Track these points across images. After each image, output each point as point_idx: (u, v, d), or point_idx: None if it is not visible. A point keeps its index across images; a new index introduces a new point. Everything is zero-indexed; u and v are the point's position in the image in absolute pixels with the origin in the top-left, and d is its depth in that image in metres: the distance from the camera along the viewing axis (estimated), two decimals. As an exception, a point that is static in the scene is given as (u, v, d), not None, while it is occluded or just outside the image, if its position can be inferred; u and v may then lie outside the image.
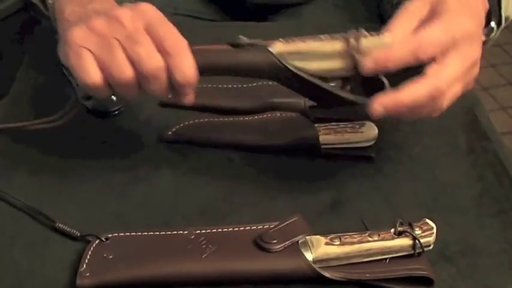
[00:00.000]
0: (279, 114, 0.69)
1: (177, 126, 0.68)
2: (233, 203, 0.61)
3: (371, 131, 0.66)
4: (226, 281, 0.53)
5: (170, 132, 0.67)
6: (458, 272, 0.56)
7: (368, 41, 0.55)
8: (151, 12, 0.54)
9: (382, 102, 0.54)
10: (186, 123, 0.68)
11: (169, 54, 0.52)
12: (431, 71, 0.54)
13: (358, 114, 0.64)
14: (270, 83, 0.74)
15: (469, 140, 0.70)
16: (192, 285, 0.53)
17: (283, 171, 0.65)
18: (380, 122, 0.65)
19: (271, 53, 0.55)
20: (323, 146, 0.66)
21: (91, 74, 0.52)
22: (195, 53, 0.53)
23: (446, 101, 0.57)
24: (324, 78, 0.57)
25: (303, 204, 0.61)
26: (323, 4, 0.94)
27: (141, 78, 0.53)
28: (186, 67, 0.53)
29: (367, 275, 0.53)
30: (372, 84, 0.56)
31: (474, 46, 0.57)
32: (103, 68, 0.53)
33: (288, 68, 0.55)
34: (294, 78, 0.56)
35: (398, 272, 0.54)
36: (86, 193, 0.61)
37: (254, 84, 0.74)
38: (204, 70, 0.54)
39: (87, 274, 0.52)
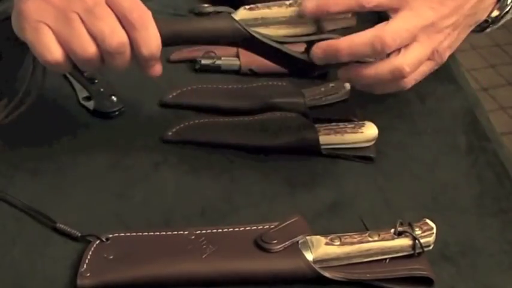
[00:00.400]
0: (279, 114, 0.69)
1: (177, 127, 0.68)
2: (233, 203, 0.61)
3: (371, 131, 0.66)
4: (226, 281, 0.53)
5: (170, 133, 0.67)
6: (458, 272, 0.56)
7: None
8: None
9: (321, 46, 0.55)
10: (186, 123, 0.68)
11: (134, 28, 0.51)
12: (393, 53, 0.55)
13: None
14: (270, 83, 0.75)
15: (469, 140, 0.70)
16: (192, 285, 0.53)
17: (283, 172, 0.65)
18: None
19: (235, 20, 0.54)
20: (323, 146, 0.66)
21: (52, 50, 0.50)
22: (158, 23, 0.52)
23: (409, 80, 0.58)
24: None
25: (303, 205, 0.61)
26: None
27: (104, 53, 0.51)
28: (152, 40, 0.51)
29: (367, 275, 0.53)
30: None
31: (435, 35, 0.57)
32: (63, 44, 0.50)
33: (252, 35, 0.54)
34: (258, 44, 0.56)
35: (399, 272, 0.54)
36: (86, 193, 0.61)
37: (254, 84, 0.74)
38: (168, 40, 0.53)
39: (88, 274, 0.52)
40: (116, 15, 0.50)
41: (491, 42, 2.28)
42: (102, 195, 0.61)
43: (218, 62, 0.76)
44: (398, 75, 0.56)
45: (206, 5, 0.54)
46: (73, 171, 0.63)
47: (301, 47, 0.58)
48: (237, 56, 0.77)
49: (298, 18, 0.55)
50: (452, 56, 0.85)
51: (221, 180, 0.64)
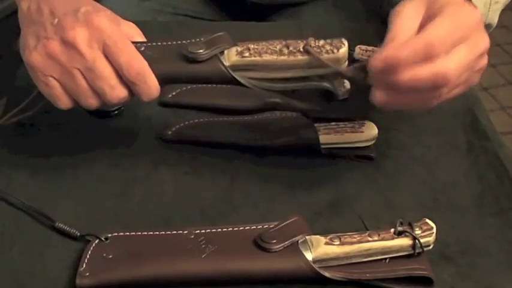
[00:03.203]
0: (278, 114, 0.69)
1: (177, 126, 0.68)
2: (233, 203, 0.61)
3: (371, 130, 0.66)
4: (226, 281, 0.53)
5: (170, 132, 0.67)
6: (458, 272, 0.56)
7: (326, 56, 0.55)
8: (107, 30, 0.54)
9: (381, 57, 0.53)
10: (186, 123, 0.68)
11: (133, 83, 0.54)
12: (439, 59, 0.53)
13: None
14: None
15: (469, 140, 0.70)
16: (191, 285, 0.53)
17: (283, 171, 0.65)
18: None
19: (225, 66, 0.56)
20: (323, 146, 0.66)
21: (62, 100, 0.56)
22: (153, 66, 0.55)
23: (449, 90, 0.55)
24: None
25: (302, 204, 0.61)
26: (323, 4, 0.94)
27: (107, 103, 0.56)
28: (151, 90, 0.55)
29: (367, 274, 0.53)
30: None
31: (482, 36, 0.56)
32: (71, 95, 0.55)
33: (239, 82, 0.56)
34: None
35: (398, 271, 0.53)
36: (86, 193, 0.61)
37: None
38: (163, 82, 0.56)
39: (87, 274, 0.52)
40: (115, 70, 0.54)
41: (492, 41, 2.27)
42: (102, 195, 0.61)
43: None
44: (440, 82, 0.53)
45: (199, 51, 0.55)
46: (72, 170, 0.63)
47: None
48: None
49: (287, 66, 0.56)
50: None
51: (220, 179, 0.64)
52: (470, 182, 0.65)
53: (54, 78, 0.54)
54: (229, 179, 0.64)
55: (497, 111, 1.97)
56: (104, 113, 0.69)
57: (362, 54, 0.79)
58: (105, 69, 0.54)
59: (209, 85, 0.73)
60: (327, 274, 0.53)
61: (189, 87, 0.73)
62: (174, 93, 0.72)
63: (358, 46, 0.78)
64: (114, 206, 0.60)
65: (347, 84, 0.72)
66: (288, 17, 0.94)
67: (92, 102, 0.56)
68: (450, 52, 0.53)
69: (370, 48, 0.78)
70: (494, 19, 0.70)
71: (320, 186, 0.63)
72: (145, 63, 0.54)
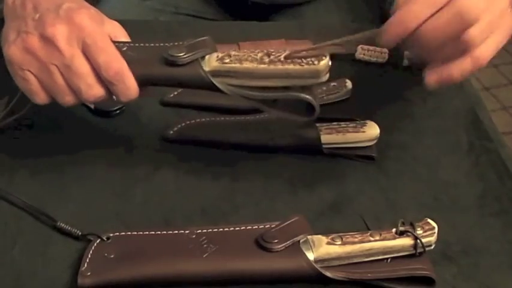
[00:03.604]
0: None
1: (178, 126, 0.68)
2: (234, 203, 0.61)
3: (373, 130, 0.66)
4: (227, 281, 0.53)
5: (171, 132, 0.67)
6: (459, 272, 0.56)
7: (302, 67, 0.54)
8: (88, 28, 0.54)
9: (436, 78, 0.54)
10: (187, 122, 0.68)
11: (111, 83, 0.54)
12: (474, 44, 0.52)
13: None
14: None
15: (470, 140, 0.70)
16: (193, 284, 0.53)
17: (284, 171, 0.65)
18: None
19: (205, 71, 0.56)
20: (324, 146, 0.66)
21: (38, 95, 0.56)
22: (132, 68, 0.55)
23: (481, 33, 0.53)
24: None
25: (304, 204, 0.61)
26: (324, 4, 0.94)
27: (83, 101, 0.56)
28: (130, 90, 0.55)
29: (369, 274, 0.53)
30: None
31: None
32: (47, 91, 0.55)
33: (217, 88, 0.56)
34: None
35: (400, 271, 0.53)
36: (87, 192, 0.61)
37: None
38: (142, 84, 0.56)
39: (88, 273, 0.52)
40: (93, 69, 0.54)
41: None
42: (103, 194, 0.61)
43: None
44: (462, 21, 0.51)
45: (180, 54, 0.55)
46: (74, 170, 0.63)
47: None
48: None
49: (270, 74, 0.55)
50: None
51: (222, 179, 0.64)
52: (472, 182, 0.65)
53: (32, 73, 0.54)
54: (231, 179, 0.64)
55: (499, 111, 1.97)
56: (105, 112, 0.69)
57: (364, 54, 0.79)
58: (82, 67, 0.53)
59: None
60: (328, 274, 0.52)
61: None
62: (175, 93, 0.72)
63: (360, 46, 0.78)
64: (116, 205, 0.60)
65: (349, 84, 0.72)
66: (290, 17, 0.94)
67: (68, 99, 0.55)
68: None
69: (371, 48, 0.78)
70: None
71: (322, 186, 0.63)
72: (124, 64, 0.54)
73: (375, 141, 0.67)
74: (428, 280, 0.54)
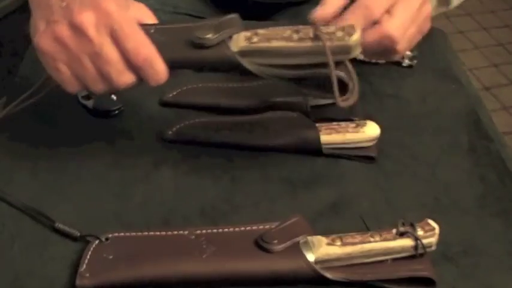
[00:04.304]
0: (279, 114, 0.69)
1: (177, 126, 0.68)
2: (233, 203, 0.61)
3: (372, 130, 0.66)
4: (226, 282, 0.53)
5: (170, 132, 0.67)
6: (460, 273, 0.56)
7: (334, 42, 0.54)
8: (115, 14, 0.53)
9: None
10: (187, 122, 0.68)
11: (140, 69, 0.54)
12: (383, 19, 0.59)
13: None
14: (270, 81, 0.74)
15: (471, 140, 0.70)
16: (192, 285, 0.53)
17: (284, 171, 0.65)
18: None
19: (232, 52, 0.55)
20: (324, 146, 0.66)
21: (71, 85, 0.56)
22: (161, 51, 0.54)
23: (401, 45, 0.61)
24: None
25: (304, 205, 0.61)
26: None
27: (115, 88, 0.56)
28: (159, 75, 0.55)
29: (369, 275, 0.53)
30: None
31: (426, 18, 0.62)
32: (79, 80, 0.55)
33: (247, 69, 0.55)
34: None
35: (400, 272, 0.53)
36: (86, 193, 0.61)
37: (255, 83, 0.74)
38: (171, 67, 0.55)
39: (87, 274, 0.52)
40: (123, 56, 0.54)
41: (494, 41, 2.28)
42: (102, 195, 0.61)
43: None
44: (387, 43, 0.59)
45: (207, 36, 0.54)
46: (72, 170, 0.63)
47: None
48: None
49: (295, 53, 0.54)
50: (454, 55, 0.85)
51: (221, 179, 0.63)
52: (472, 182, 0.65)
53: (63, 63, 0.54)
54: (230, 179, 0.63)
55: (500, 111, 1.97)
56: (104, 112, 0.69)
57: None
58: (112, 54, 0.53)
59: (209, 85, 0.73)
60: (328, 275, 0.52)
61: (189, 87, 0.73)
62: (174, 93, 0.72)
63: None
64: (115, 206, 0.60)
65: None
66: (290, 16, 0.94)
67: (99, 87, 0.55)
68: (392, 12, 0.59)
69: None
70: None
71: (321, 187, 0.63)
72: (153, 49, 0.54)
73: (374, 142, 0.66)
74: (428, 281, 0.54)
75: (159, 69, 0.55)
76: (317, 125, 0.66)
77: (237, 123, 0.68)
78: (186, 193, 0.62)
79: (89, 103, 0.70)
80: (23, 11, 1.19)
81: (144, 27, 0.55)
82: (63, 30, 0.53)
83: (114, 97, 0.70)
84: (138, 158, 0.65)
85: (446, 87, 0.77)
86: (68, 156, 0.65)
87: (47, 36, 0.54)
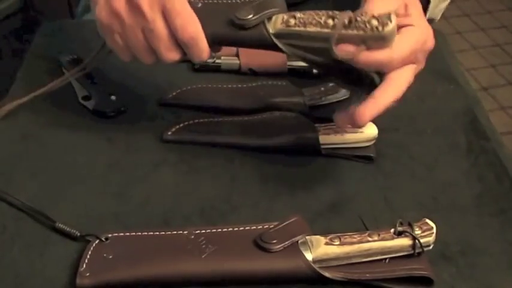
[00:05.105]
0: (278, 114, 0.69)
1: (177, 126, 0.68)
2: (233, 203, 0.61)
3: (371, 131, 0.66)
4: (226, 281, 0.53)
5: (170, 132, 0.67)
6: (458, 272, 0.56)
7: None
8: None
9: (369, 115, 0.56)
10: (186, 123, 0.68)
11: (186, 46, 0.58)
12: (395, 75, 0.57)
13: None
14: (270, 82, 0.75)
15: (468, 140, 0.70)
16: (191, 285, 0.53)
17: (283, 171, 0.65)
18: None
19: (269, 34, 0.57)
20: (323, 146, 0.66)
21: (124, 55, 0.60)
22: (205, 28, 0.57)
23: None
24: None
25: (302, 204, 0.61)
26: (324, 3, 0.94)
27: (162, 62, 0.60)
28: (203, 53, 0.58)
29: (367, 275, 0.53)
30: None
31: (425, 58, 0.60)
32: (131, 50, 0.59)
33: (282, 50, 0.57)
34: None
35: (398, 272, 0.53)
36: (86, 193, 0.61)
37: (254, 84, 0.74)
38: (212, 43, 0.58)
39: (87, 274, 0.52)
40: (171, 31, 0.57)
41: (492, 41, 2.28)
42: (102, 195, 0.61)
43: (218, 61, 0.76)
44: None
45: (247, 17, 0.57)
46: (72, 170, 0.63)
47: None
48: (237, 55, 0.77)
49: (332, 38, 0.55)
50: (452, 56, 0.86)
51: (221, 180, 0.64)
52: (470, 182, 0.65)
53: (118, 34, 0.58)
54: (229, 179, 0.64)
55: (497, 111, 1.97)
56: (104, 113, 0.69)
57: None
58: (162, 30, 0.57)
59: (209, 85, 0.74)
60: (327, 274, 0.53)
61: (189, 87, 0.73)
62: (174, 94, 0.72)
63: None
64: (114, 206, 0.60)
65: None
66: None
67: (148, 59, 0.59)
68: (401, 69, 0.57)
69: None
70: (438, 16, 0.75)
71: (320, 187, 0.63)
72: (198, 27, 0.57)
73: (373, 142, 0.67)
74: (426, 280, 0.54)
75: (202, 47, 0.58)
76: (316, 125, 0.67)
77: (237, 123, 0.68)
78: (185, 193, 0.62)
79: (89, 104, 0.70)
80: (24, 13, 1.19)
81: (192, 1, 0.57)
82: (120, 5, 0.57)
83: (114, 98, 0.70)
84: (138, 158, 0.65)
85: (444, 88, 0.78)
86: (68, 156, 0.65)
87: (105, 9, 0.58)
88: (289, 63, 0.76)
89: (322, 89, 0.72)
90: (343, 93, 0.71)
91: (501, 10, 2.46)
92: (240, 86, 0.74)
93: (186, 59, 0.60)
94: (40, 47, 0.80)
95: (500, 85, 2.10)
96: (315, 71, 0.76)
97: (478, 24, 2.35)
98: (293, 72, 0.76)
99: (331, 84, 0.72)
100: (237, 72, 0.77)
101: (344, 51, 0.54)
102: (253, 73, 0.76)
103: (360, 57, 0.54)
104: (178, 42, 0.57)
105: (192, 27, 0.57)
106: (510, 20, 2.39)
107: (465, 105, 0.75)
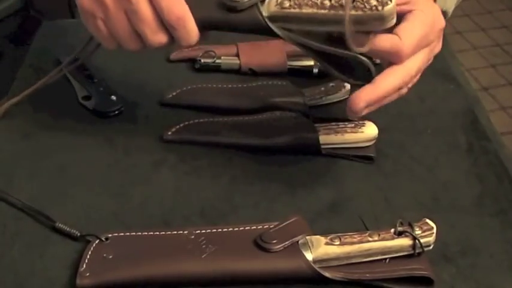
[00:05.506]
0: (278, 114, 0.69)
1: (177, 126, 0.68)
2: (233, 203, 0.61)
3: (371, 131, 0.66)
4: (226, 281, 0.53)
5: (170, 132, 0.67)
6: (458, 272, 0.56)
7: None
8: None
9: (364, 99, 0.54)
10: (186, 123, 0.68)
11: (173, 28, 0.55)
12: (400, 30, 0.55)
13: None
14: (270, 82, 0.75)
15: (469, 140, 0.70)
16: (192, 285, 0.53)
17: (283, 171, 0.65)
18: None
19: (263, 17, 0.55)
20: (323, 146, 0.66)
21: (108, 42, 0.57)
22: (194, 11, 0.55)
23: (408, 89, 0.58)
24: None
25: (303, 204, 0.61)
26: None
27: (148, 46, 0.57)
28: (191, 35, 0.56)
29: (367, 275, 0.53)
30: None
31: (439, 38, 0.58)
32: (114, 37, 0.57)
33: (276, 34, 0.55)
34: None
35: (399, 272, 0.53)
36: (86, 193, 0.61)
37: (254, 83, 0.74)
38: (202, 28, 0.56)
39: (87, 274, 0.52)
40: (157, 14, 0.54)
41: (492, 42, 2.28)
42: (102, 195, 0.61)
43: (218, 61, 0.76)
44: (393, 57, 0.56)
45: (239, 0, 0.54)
46: (72, 170, 0.63)
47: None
48: (237, 55, 0.77)
49: (330, 20, 0.53)
50: (452, 56, 0.86)
51: (221, 180, 0.64)
52: (470, 182, 0.65)
53: (101, 20, 0.56)
54: (230, 179, 0.64)
55: (497, 111, 1.97)
56: (104, 113, 0.69)
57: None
58: (147, 12, 0.54)
59: (209, 85, 0.74)
60: (327, 274, 0.53)
61: (189, 87, 0.73)
62: (174, 93, 0.72)
63: None
64: (114, 206, 0.60)
65: (347, 84, 0.72)
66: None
67: (133, 46, 0.57)
68: (409, 27, 0.55)
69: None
70: (451, 8, 0.72)
71: (320, 186, 0.63)
72: (185, 8, 0.55)
73: (373, 142, 0.67)
74: (426, 280, 0.54)
75: (190, 29, 0.55)
76: (316, 125, 0.67)
77: (237, 123, 0.68)
78: (185, 193, 0.62)
79: (89, 103, 0.70)
80: (24, 13, 1.19)
81: None
82: None
83: (114, 97, 0.70)
84: (137, 158, 0.65)
85: (444, 88, 0.78)
86: (68, 156, 0.65)
87: None
88: (289, 63, 0.76)
89: (322, 89, 0.72)
90: (343, 93, 0.71)
91: (501, 10, 2.46)
92: (240, 86, 0.74)
93: (174, 44, 0.57)
94: (40, 47, 0.80)
95: (501, 85, 2.10)
96: (315, 70, 0.76)
97: (478, 24, 2.35)
98: (293, 72, 0.76)
99: (331, 84, 0.72)
100: (237, 72, 0.77)
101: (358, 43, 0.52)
102: (253, 73, 0.76)
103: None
104: (164, 25, 0.55)
105: (179, 8, 0.54)
106: (510, 20, 2.39)
107: (465, 105, 0.75)
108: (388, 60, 0.56)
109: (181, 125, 0.68)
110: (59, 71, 0.67)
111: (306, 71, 0.76)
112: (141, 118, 0.70)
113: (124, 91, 0.72)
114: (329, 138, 0.66)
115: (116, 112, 0.70)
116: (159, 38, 0.56)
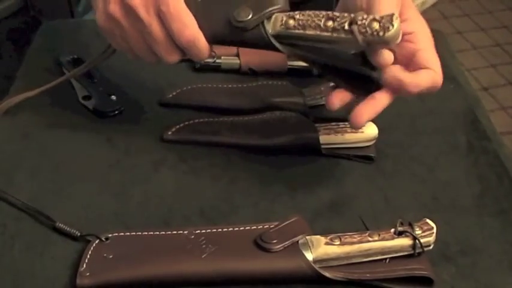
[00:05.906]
0: (278, 114, 0.69)
1: (177, 126, 0.68)
2: (233, 203, 0.61)
3: (371, 130, 0.66)
4: (226, 281, 0.53)
5: (170, 132, 0.67)
6: (458, 272, 0.56)
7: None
8: None
9: (367, 116, 0.57)
10: (186, 123, 0.68)
11: (185, 48, 0.57)
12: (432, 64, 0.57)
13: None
14: (270, 82, 0.75)
15: (469, 140, 0.70)
16: (192, 285, 0.53)
17: (283, 171, 0.65)
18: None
19: (268, 36, 0.57)
20: (323, 146, 0.66)
21: (130, 55, 0.60)
22: (203, 27, 0.57)
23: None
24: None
25: (303, 204, 0.61)
26: (324, 3, 0.94)
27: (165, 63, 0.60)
28: (202, 53, 0.58)
29: (367, 275, 0.53)
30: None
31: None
32: (134, 52, 0.60)
33: (281, 51, 0.57)
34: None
35: (399, 271, 0.54)
36: (86, 193, 0.61)
37: (254, 83, 0.74)
38: (213, 43, 0.58)
39: (87, 274, 0.52)
40: (169, 35, 0.57)
41: (492, 41, 2.28)
42: (102, 195, 0.61)
43: (218, 61, 0.76)
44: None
45: (246, 19, 0.56)
46: (73, 170, 0.63)
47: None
48: (237, 55, 0.77)
49: (333, 41, 0.55)
50: (452, 56, 0.86)
51: (221, 179, 0.64)
52: (471, 182, 0.65)
53: (119, 37, 0.59)
54: (230, 179, 0.64)
55: (498, 111, 1.97)
56: (104, 113, 0.69)
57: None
58: (159, 33, 0.57)
59: (209, 85, 0.74)
60: (327, 274, 0.53)
61: (189, 87, 0.73)
62: (174, 93, 0.72)
63: None
64: (115, 206, 0.60)
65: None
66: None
67: (151, 59, 0.59)
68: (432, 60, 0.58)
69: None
70: None
71: (320, 186, 0.63)
72: (196, 29, 0.56)
73: (373, 142, 0.67)
74: (427, 280, 0.54)
75: (201, 48, 0.58)
76: (316, 125, 0.67)
77: (236, 124, 0.68)
78: (185, 193, 0.62)
79: (89, 103, 0.70)
80: (24, 13, 1.19)
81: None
82: (116, 10, 0.57)
83: (114, 97, 0.70)
84: (138, 158, 0.65)
85: (444, 88, 0.77)
86: (69, 156, 0.65)
87: (104, 14, 0.58)
88: (289, 63, 0.76)
89: (322, 89, 0.72)
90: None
91: (502, 10, 2.46)
92: (240, 86, 0.74)
93: (187, 59, 0.60)
94: (40, 47, 0.80)
95: (501, 85, 2.10)
96: (315, 70, 0.76)
97: (478, 24, 2.36)
98: (293, 72, 0.76)
99: (331, 84, 0.72)
100: (237, 72, 0.77)
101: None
102: (253, 73, 0.76)
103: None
104: (176, 45, 0.57)
105: (189, 30, 0.56)
106: (510, 20, 2.40)
107: (466, 105, 0.75)
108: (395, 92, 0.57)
109: (181, 125, 0.68)
110: (72, 75, 0.68)
111: (305, 71, 0.76)
112: (141, 118, 0.70)
113: (124, 91, 0.72)
114: (329, 138, 0.66)
115: (116, 112, 0.70)
116: (173, 56, 0.58)
